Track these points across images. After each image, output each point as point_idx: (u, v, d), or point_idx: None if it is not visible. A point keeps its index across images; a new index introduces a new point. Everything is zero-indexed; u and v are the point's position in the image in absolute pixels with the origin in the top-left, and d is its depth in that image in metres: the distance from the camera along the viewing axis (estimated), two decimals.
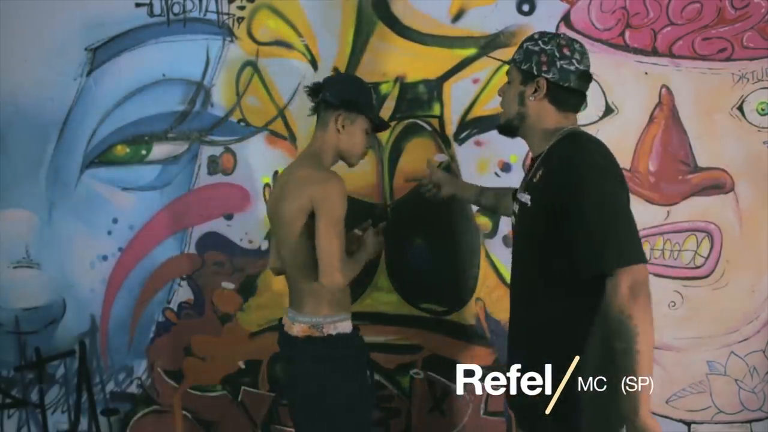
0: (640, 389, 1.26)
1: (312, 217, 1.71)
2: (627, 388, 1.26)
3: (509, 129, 1.61)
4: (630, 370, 1.26)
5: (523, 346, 1.56)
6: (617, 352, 1.28)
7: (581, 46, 1.54)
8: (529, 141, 1.60)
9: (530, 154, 2.20)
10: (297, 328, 1.81)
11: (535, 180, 1.49)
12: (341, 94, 1.81)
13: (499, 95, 1.64)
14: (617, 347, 1.28)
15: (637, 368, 1.26)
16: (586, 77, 1.53)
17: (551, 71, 1.50)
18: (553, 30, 2.24)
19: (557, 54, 1.50)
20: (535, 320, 1.49)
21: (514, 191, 1.81)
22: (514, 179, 2.30)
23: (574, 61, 1.50)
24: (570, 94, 1.53)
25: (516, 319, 1.63)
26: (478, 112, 2.32)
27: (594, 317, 1.42)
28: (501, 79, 2.29)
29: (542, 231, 1.43)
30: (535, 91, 1.52)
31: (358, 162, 1.90)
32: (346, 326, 1.83)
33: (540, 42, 1.52)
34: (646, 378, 1.26)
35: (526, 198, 1.51)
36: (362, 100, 1.83)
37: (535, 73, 1.51)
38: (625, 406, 1.28)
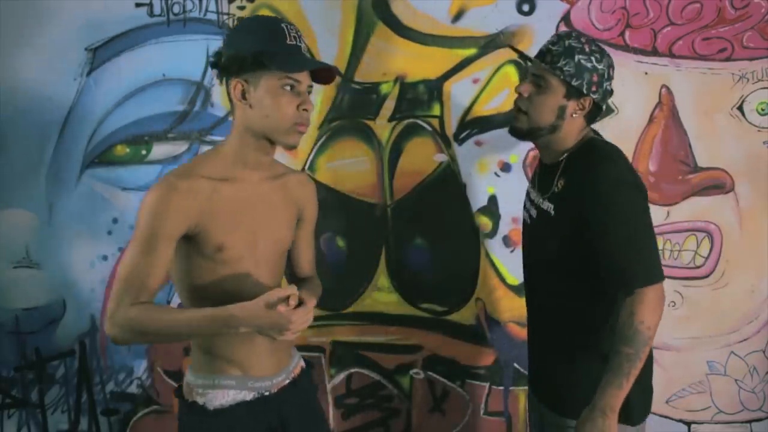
0: (624, 390, 1.34)
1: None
2: (614, 386, 1.33)
3: (528, 135, 1.56)
4: (626, 373, 1.33)
5: (546, 337, 1.61)
6: (621, 355, 1.34)
7: (613, 62, 1.54)
8: (546, 148, 1.59)
9: (531, 154, 2.21)
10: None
11: (557, 190, 1.49)
12: (229, 52, 1.28)
13: (521, 93, 1.53)
14: (624, 351, 1.34)
15: (632, 373, 1.34)
16: (612, 95, 1.56)
17: (598, 92, 1.48)
18: (553, 30, 2.24)
19: (606, 75, 1.48)
20: (558, 316, 1.55)
21: None
22: (514, 179, 2.31)
23: (612, 81, 1.51)
24: (600, 111, 1.55)
25: (536, 319, 1.67)
26: (478, 112, 2.32)
27: (610, 315, 1.47)
28: (501, 79, 2.30)
29: (566, 240, 1.46)
30: (579, 108, 1.49)
31: (292, 138, 1.34)
32: (219, 396, 1.32)
33: (593, 58, 1.46)
34: (631, 384, 1.34)
35: (548, 206, 1.52)
36: (257, 47, 1.26)
37: (585, 92, 1.46)
38: (607, 399, 1.33)
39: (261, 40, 1.28)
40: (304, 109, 1.30)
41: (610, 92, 1.52)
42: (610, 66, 1.50)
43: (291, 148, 1.36)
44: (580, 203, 1.41)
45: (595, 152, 1.47)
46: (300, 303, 1.20)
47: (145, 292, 1.23)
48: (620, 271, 1.37)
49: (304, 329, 1.22)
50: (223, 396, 1.33)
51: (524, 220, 1.72)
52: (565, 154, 1.52)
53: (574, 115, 1.49)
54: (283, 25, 1.30)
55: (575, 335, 1.53)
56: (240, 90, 1.30)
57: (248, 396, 1.34)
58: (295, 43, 1.29)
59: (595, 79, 1.45)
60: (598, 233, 1.38)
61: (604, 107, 1.53)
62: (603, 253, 1.38)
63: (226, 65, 1.29)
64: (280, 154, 2.37)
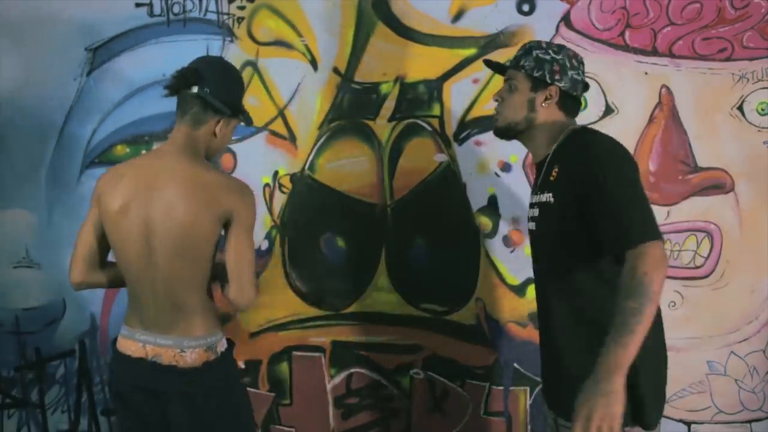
0: (629, 349, 1.25)
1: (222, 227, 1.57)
2: (619, 345, 1.25)
3: (510, 132, 1.64)
4: (630, 330, 1.25)
5: (562, 337, 1.55)
6: (625, 310, 1.27)
7: (582, 57, 1.62)
8: (532, 144, 1.64)
9: (529, 154, 2.20)
10: (192, 356, 1.58)
11: (551, 178, 1.53)
12: (228, 97, 1.61)
13: (497, 100, 1.65)
14: (628, 305, 1.28)
15: (638, 329, 1.25)
16: (587, 88, 1.63)
17: (563, 80, 1.56)
18: (553, 30, 2.25)
19: (568, 64, 1.57)
20: (575, 319, 1.52)
21: None
22: (514, 179, 2.31)
23: (580, 72, 1.59)
24: (576, 102, 1.61)
25: (549, 321, 1.61)
26: (478, 112, 2.32)
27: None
28: (501, 79, 2.28)
29: (571, 224, 1.46)
30: (547, 98, 1.57)
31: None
32: (224, 340, 1.69)
33: (550, 51, 1.57)
34: (637, 343, 1.26)
35: (547, 196, 1.53)
36: (241, 103, 1.69)
37: (548, 81, 1.56)
38: (610, 359, 1.25)
39: (242, 93, 1.70)
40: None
41: (581, 82, 1.59)
42: (572, 57, 1.58)
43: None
44: (577, 177, 1.44)
45: (585, 135, 1.56)
46: None
47: None
48: (621, 229, 1.35)
49: None
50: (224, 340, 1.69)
51: (529, 229, 1.69)
52: (554, 146, 1.57)
53: (544, 105, 1.57)
54: None
55: (591, 329, 1.49)
56: (219, 126, 1.64)
57: None
58: None
59: (555, 68, 1.56)
60: (596, 197, 1.39)
61: (578, 95, 1.60)
62: (603, 214, 1.38)
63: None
64: (282, 155, 2.39)
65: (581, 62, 1.60)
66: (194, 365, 1.57)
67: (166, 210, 1.50)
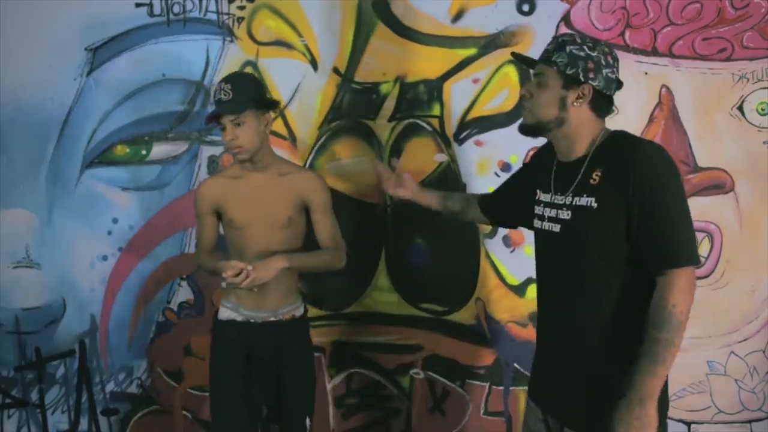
0: (660, 377, 1.33)
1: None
2: (651, 375, 1.33)
3: (537, 131, 1.56)
4: (661, 359, 1.33)
5: (584, 357, 1.48)
6: (655, 340, 1.34)
7: (616, 54, 1.53)
8: (561, 143, 1.55)
9: (530, 154, 2.19)
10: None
11: (594, 182, 1.46)
12: None
13: (525, 94, 1.56)
14: (658, 336, 1.34)
15: (669, 359, 1.33)
16: (620, 86, 1.54)
17: (597, 79, 1.47)
18: (553, 30, 2.25)
19: (603, 62, 1.48)
20: (604, 329, 1.46)
21: (481, 197, 1.91)
22: None
23: (615, 69, 1.51)
24: (609, 102, 1.52)
25: (563, 331, 1.53)
26: (478, 112, 2.32)
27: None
28: (501, 79, 2.31)
29: (615, 232, 1.42)
30: (579, 97, 1.48)
31: (237, 157, 1.89)
32: (222, 312, 2.06)
33: (585, 47, 1.48)
34: (667, 370, 1.34)
35: (588, 200, 1.46)
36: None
37: (582, 79, 1.47)
38: (642, 388, 1.33)
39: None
40: (228, 140, 1.87)
41: (615, 80, 1.51)
42: (607, 54, 1.49)
43: (242, 161, 1.92)
44: (626, 187, 1.39)
45: (631, 139, 1.48)
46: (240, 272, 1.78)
47: (206, 246, 2.04)
48: (663, 250, 1.37)
49: (253, 283, 1.78)
50: (223, 312, 2.02)
51: (542, 229, 1.59)
52: (592, 148, 1.50)
53: (575, 104, 1.48)
54: (216, 85, 1.87)
55: (616, 341, 1.44)
56: None
57: (239, 318, 1.99)
58: (218, 97, 1.86)
59: (590, 65, 1.46)
60: (645, 212, 1.38)
61: (612, 94, 1.51)
62: (648, 232, 1.38)
63: None
64: (282, 155, 2.39)
65: (616, 59, 1.50)
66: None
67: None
